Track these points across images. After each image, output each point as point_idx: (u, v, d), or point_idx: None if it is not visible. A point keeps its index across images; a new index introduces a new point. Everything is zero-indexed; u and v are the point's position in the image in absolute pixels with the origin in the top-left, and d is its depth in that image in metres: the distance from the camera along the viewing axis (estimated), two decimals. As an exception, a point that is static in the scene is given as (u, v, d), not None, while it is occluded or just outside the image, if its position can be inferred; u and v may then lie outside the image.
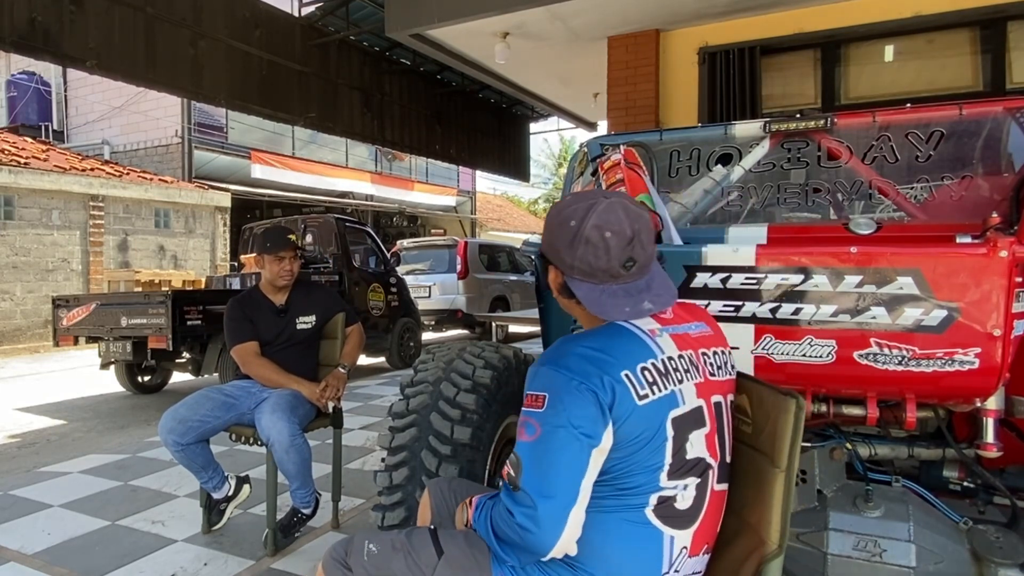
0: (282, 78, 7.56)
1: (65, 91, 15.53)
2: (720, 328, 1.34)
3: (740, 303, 1.80)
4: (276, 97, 7.53)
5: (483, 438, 1.94)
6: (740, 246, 1.80)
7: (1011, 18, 4.89)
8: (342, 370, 2.94)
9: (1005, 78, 4.95)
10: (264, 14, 7.33)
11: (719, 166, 2.54)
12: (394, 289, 8.19)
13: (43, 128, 15.06)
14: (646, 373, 1.13)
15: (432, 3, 6.02)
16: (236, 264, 10.94)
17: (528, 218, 30.48)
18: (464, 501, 1.38)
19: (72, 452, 4.38)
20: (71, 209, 11.24)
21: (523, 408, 1.16)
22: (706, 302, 1.83)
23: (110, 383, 6.80)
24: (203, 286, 9.47)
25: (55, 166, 11.28)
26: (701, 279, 1.83)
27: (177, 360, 6.22)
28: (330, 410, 2.91)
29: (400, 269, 9.21)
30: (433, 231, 21.46)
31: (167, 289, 7.47)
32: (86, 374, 7.76)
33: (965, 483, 1.95)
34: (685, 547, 1.16)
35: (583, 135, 22.83)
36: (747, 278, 1.78)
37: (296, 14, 7.98)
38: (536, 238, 1.80)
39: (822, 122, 2.34)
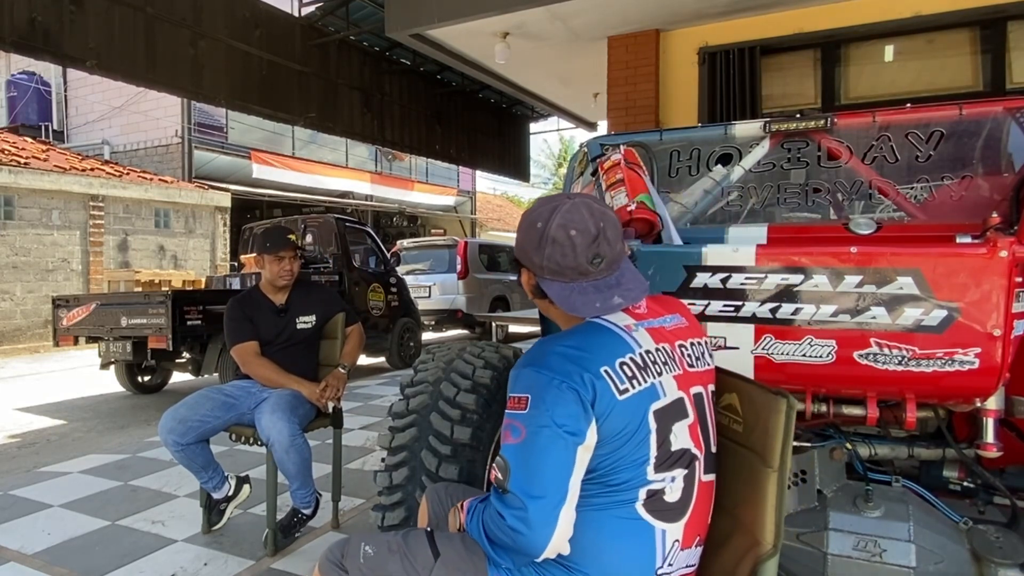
0: (282, 78, 7.56)
1: (65, 91, 15.53)
2: (695, 318, 1.36)
3: (740, 303, 1.80)
4: (276, 97, 7.53)
5: (483, 438, 1.93)
6: (740, 246, 1.80)
7: (1011, 18, 4.89)
8: (342, 370, 2.94)
9: (1005, 78, 4.95)
10: (264, 14, 7.33)
11: (719, 166, 2.54)
12: (394, 289, 8.19)
13: (43, 128, 15.06)
14: (625, 368, 1.15)
15: (432, 3, 6.02)
16: (236, 264, 10.94)
17: (528, 218, 30.40)
18: (455, 506, 1.39)
19: (72, 452, 4.38)
20: (71, 209, 11.24)
21: (507, 411, 1.17)
22: (706, 302, 1.83)
23: (110, 383, 6.81)
24: (203, 286, 9.48)
25: (55, 166, 11.28)
26: (701, 279, 1.83)
27: (177, 360, 6.22)
28: (330, 410, 2.91)
29: (400, 269, 9.21)
30: (433, 231, 21.46)
31: (167, 289, 7.46)
32: (86, 374, 7.76)
33: (965, 483, 1.95)
34: (677, 540, 1.17)
35: (583, 135, 22.83)
36: (747, 278, 1.78)
37: (296, 14, 7.98)
38: None
39: (822, 122, 2.34)
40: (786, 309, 1.75)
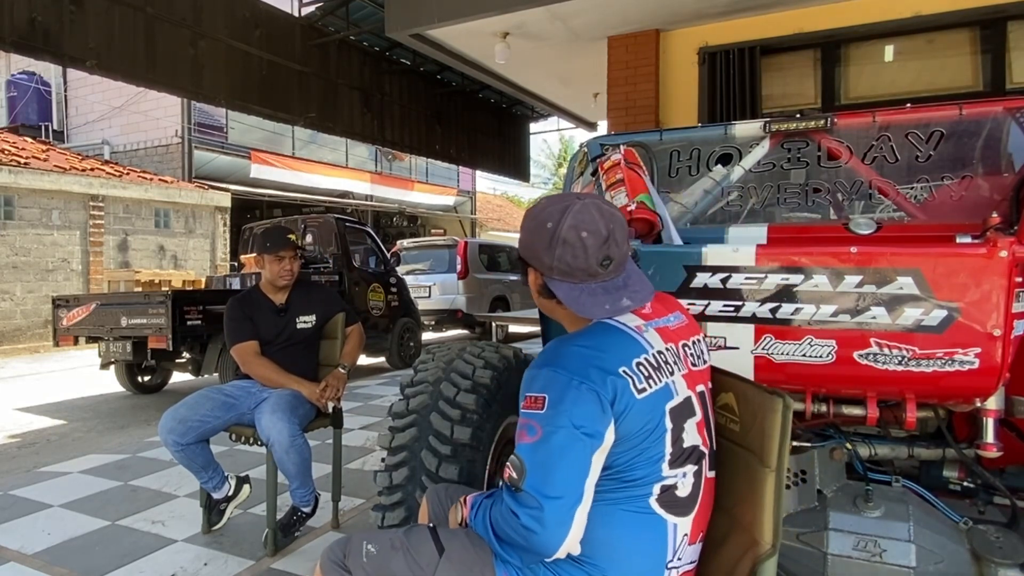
0: (282, 78, 7.56)
1: (65, 91, 15.53)
2: (691, 315, 1.38)
3: (740, 303, 1.80)
4: (276, 97, 7.53)
5: (483, 438, 1.93)
6: (740, 246, 1.80)
7: (1011, 18, 4.89)
8: (342, 370, 2.94)
9: (1005, 78, 4.95)
10: (264, 14, 7.33)
11: (719, 166, 2.54)
12: (394, 289, 8.19)
13: (43, 128, 15.06)
14: (641, 368, 1.16)
15: (432, 3, 6.02)
16: (236, 264, 10.94)
17: (528, 218, 30.41)
18: (459, 500, 1.39)
19: (72, 452, 4.38)
20: (71, 209, 11.24)
21: (522, 410, 1.17)
22: (706, 302, 1.83)
23: (110, 383, 6.80)
24: (203, 286, 9.47)
25: (55, 166, 11.28)
26: (701, 279, 1.83)
27: (177, 360, 6.22)
28: (330, 410, 2.91)
29: (400, 269, 9.21)
30: (433, 231, 21.45)
31: (167, 289, 7.46)
32: (86, 374, 7.76)
33: (965, 483, 1.95)
34: (686, 534, 1.19)
35: (583, 135, 22.83)
36: (747, 278, 1.78)
37: (296, 14, 7.98)
38: None
39: (822, 122, 2.34)
40: (786, 309, 1.75)
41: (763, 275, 1.76)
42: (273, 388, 2.81)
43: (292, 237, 2.94)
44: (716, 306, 1.82)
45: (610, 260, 1.20)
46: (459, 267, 10.24)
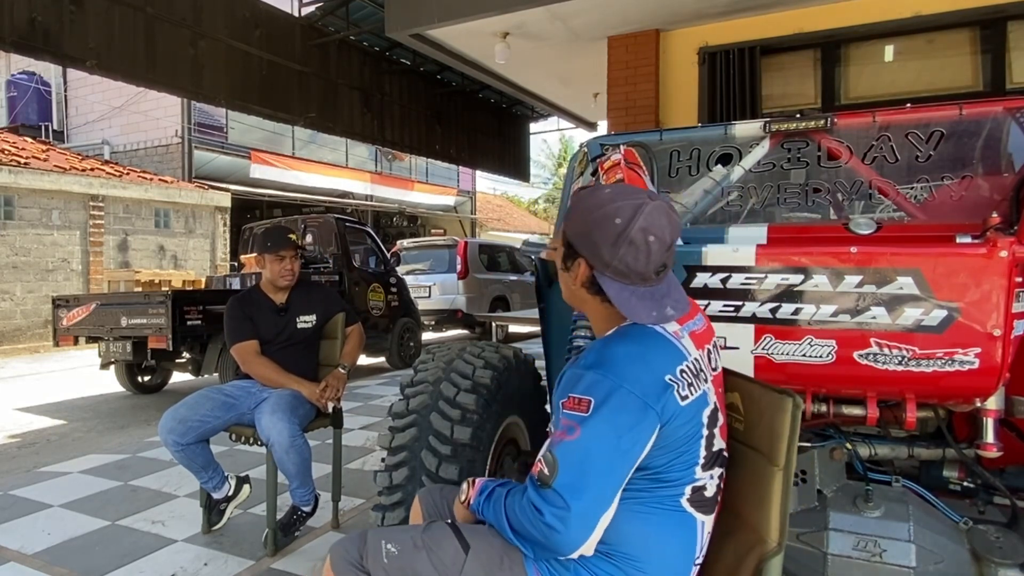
0: (282, 78, 7.56)
1: (65, 91, 15.53)
2: (708, 316, 1.38)
3: (740, 303, 1.80)
4: (276, 97, 7.53)
5: (483, 438, 1.94)
6: (740, 246, 1.80)
7: (1011, 18, 4.88)
8: (342, 370, 2.94)
9: (1005, 78, 4.94)
10: (264, 14, 7.32)
11: (719, 166, 2.54)
12: (394, 289, 8.19)
13: (43, 128, 15.06)
14: (684, 375, 1.16)
15: (432, 3, 6.02)
16: (236, 264, 10.94)
17: (528, 218, 30.48)
18: (468, 480, 1.36)
19: (72, 452, 4.38)
20: (71, 209, 11.24)
21: (564, 410, 1.15)
22: (706, 302, 1.83)
23: (110, 383, 6.80)
24: (203, 286, 9.48)
25: (55, 166, 11.28)
26: (701, 279, 1.83)
27: (177, 360, 6.22)
28: (330, 410, 2.91)
29: (400, 269, 9.21)
30: (433, 231, 21.45)
31: (167, 289, 7.46)
32: (86, 374, 7.76)
33: (965, 483, 1.95)
34: (709, 531, 1.22)
35: (583, 135, 22.82)
36: (747, 278, 1.78)
37: (296, 14, 7.98)
38: (537, 238, 1.80)
39: (822, 122, 2.34)
40: (786, 309, 1.76)
41: (763, 275, 1.76)
42: (273, 388, 2.81)
43: (293, 237, 2.95)
44: (716, 306, 1.83)
45: (665, 267, 1.19)
46: (459, 267, 10.24)
